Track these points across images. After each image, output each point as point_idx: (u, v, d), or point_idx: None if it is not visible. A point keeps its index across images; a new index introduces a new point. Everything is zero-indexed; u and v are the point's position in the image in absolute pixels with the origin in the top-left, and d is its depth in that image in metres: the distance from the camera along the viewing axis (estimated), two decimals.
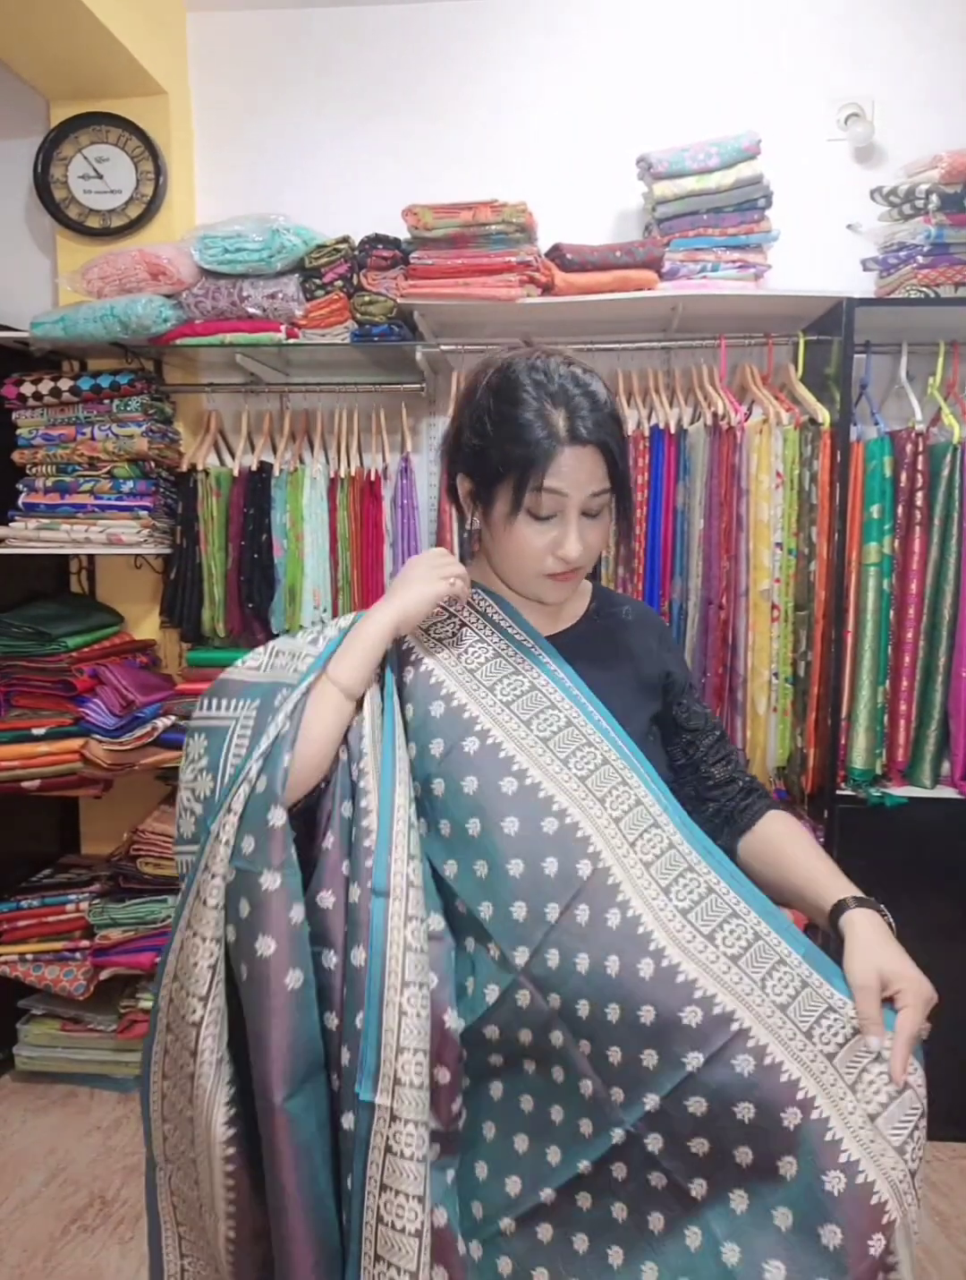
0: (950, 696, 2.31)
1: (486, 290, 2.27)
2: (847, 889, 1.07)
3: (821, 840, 2.30)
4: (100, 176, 2.64)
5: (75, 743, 2.38)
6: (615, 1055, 0.92)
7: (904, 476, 2.29)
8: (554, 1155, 0.96)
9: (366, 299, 2.35)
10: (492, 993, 0.98)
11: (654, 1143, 0.91)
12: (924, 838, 2.28)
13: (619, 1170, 0.93)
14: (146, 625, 2.79)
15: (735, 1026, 0.90)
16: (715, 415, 2.33)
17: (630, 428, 2.39)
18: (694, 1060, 0.89)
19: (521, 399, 1.05)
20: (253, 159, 2.74)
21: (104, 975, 2.47)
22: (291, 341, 2.39)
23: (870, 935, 1.02)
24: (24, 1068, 2.59)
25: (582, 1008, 0.94)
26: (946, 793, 2.32)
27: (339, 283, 2.38)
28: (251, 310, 2.38)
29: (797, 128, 2.56)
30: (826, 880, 1.09)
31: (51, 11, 2.22)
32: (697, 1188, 0.90)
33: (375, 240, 2.37)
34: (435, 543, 2.52)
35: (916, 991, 1.02)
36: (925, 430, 2.29)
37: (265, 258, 2.32)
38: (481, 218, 2.22)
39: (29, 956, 2.50)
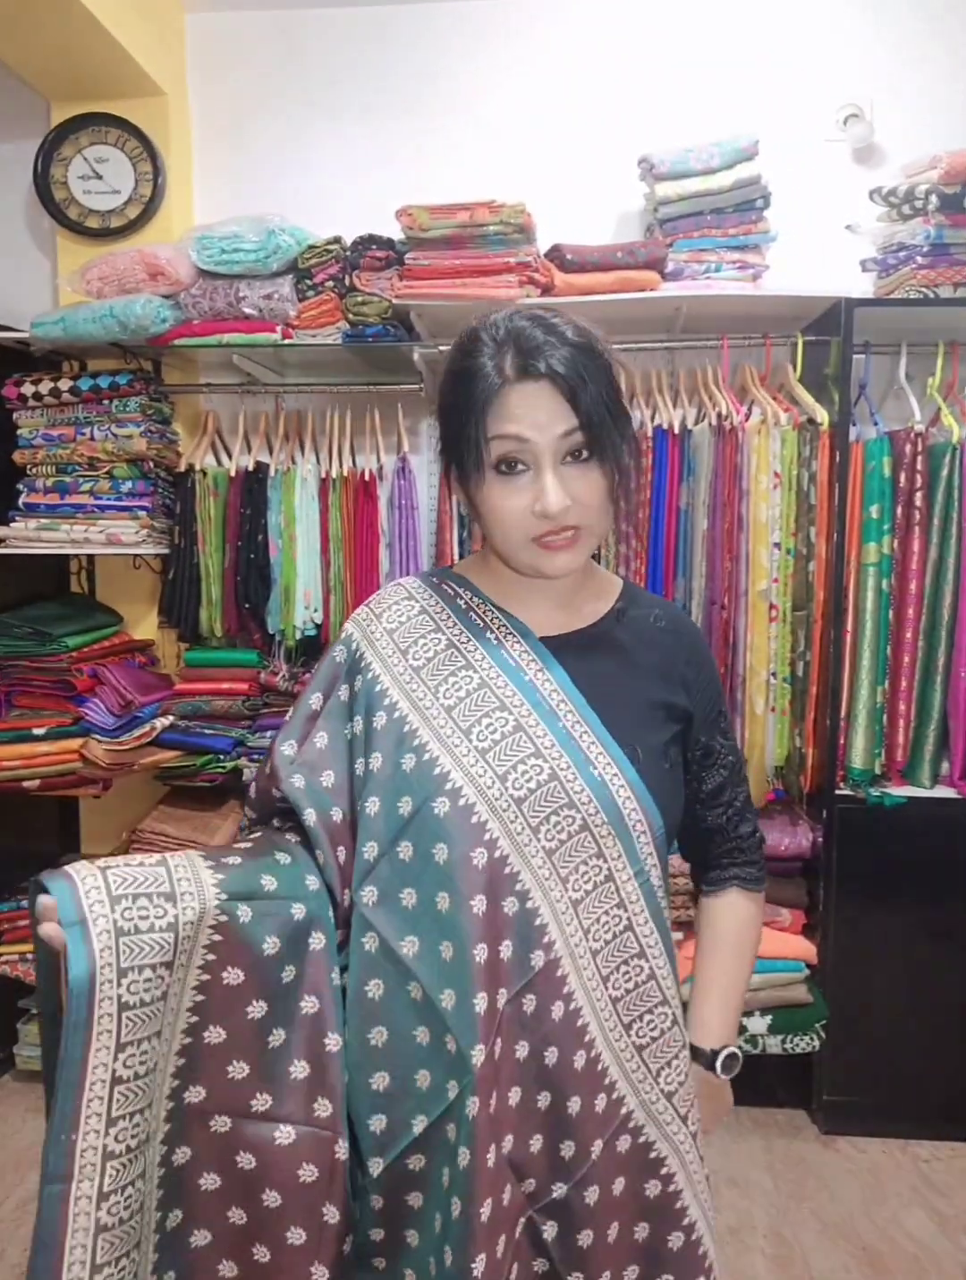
0: (949, 696, 2.31)
1: (484, 290, 2.27)
2: (716, 1035, 1.09)
3: (820, 840, 2.31)
4: (100, 177, 2.64)
5: (75, 742, 2.38)
6: (536, 1143, 0.92)
7: (903, 477, 2.29)
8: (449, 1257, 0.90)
9: (359, 299, 2.35)
10: (453, 1089, 0.89)
11: (549, 1231, 0.93)
12: (923, 837, 2.28)
13: (515, 1270, 0.93)
14: (145, 625, 2.79)
15: (624, 1110, 0.95)
16: (719, 416, 2.33)
17: (634, 428, 2.39)
18: (597, 1147, 0.93)
19: (474, 349, 0.95)
20: (251, 160, 2.74)
21: None
22: (286, 342, 2.40)
23: (717, 1112, 1.11)
24: (25, 1067, 2.60)
25: (513, 1095, 0.91)
26: (945, 792, 2.32)
27: (330, 283, 2.38)
28: (248, 311, 2.38)
29: (797, 128, 2.56)
30: (712, 1012, 1.10)
31: (51, 12, 2.23)
32: (611, 1232, 0.95)
33: (369, 241, 2.37)
34: (435, 543, 2.52)
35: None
36: (924, 430, 2.30)
37: (261, 258, 2.32)
38: (479, 218, 2.22)
39: (29, 956, 2.51)
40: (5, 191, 2.80)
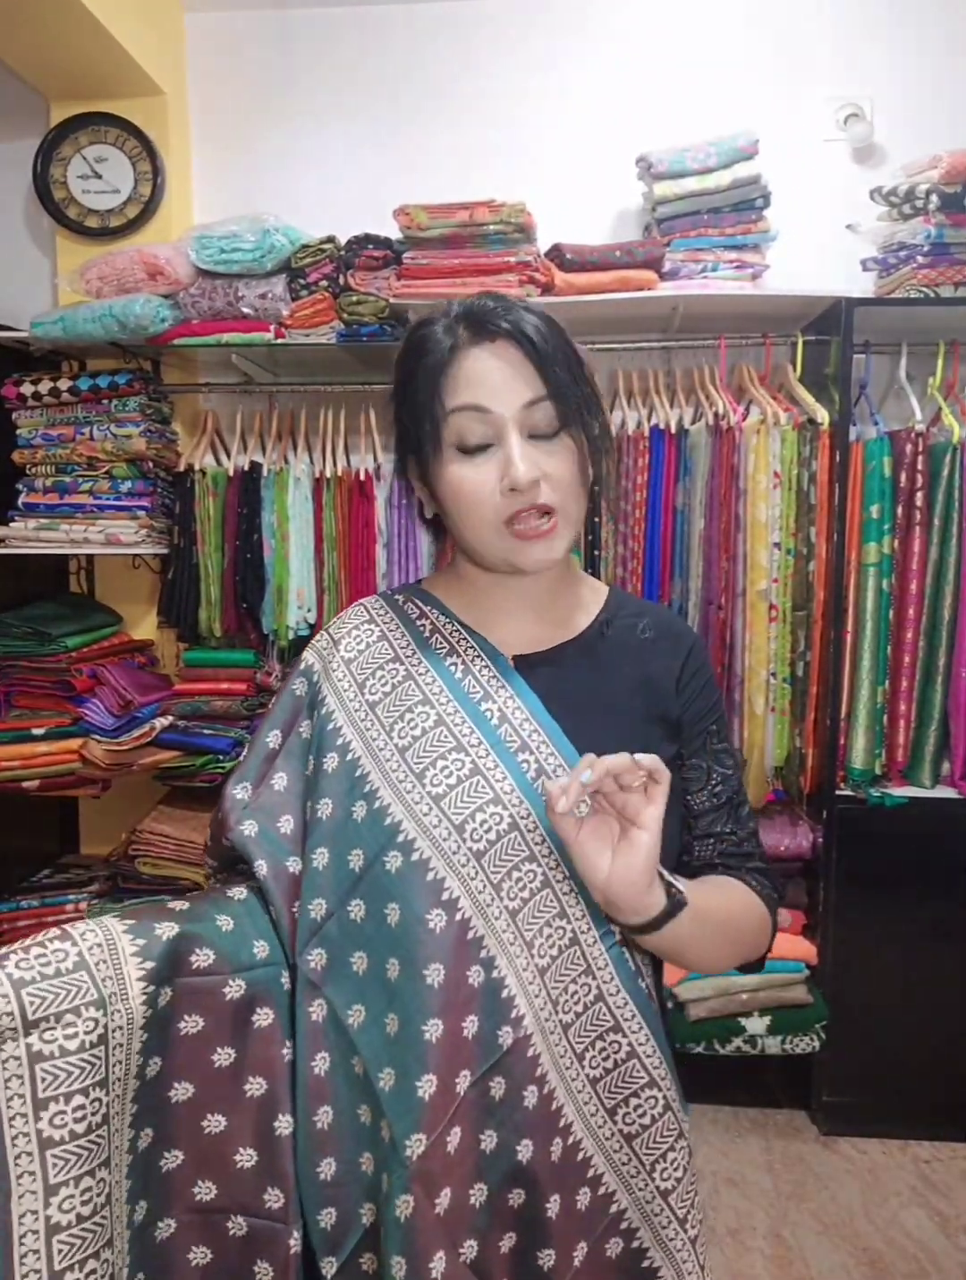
0: (949, 696, 2.30)
1: (484, 290, 2.26)
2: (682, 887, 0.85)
3: (820, 841, 2.31)
4: (99, 176, 2.64)
5: (74, 743, 2.38)
6: (507, 1244, 0.81)
7: (903, 476, 2.29)
8: None
9: (354, 299, 2.34)
10: (384, 1183, 0.78)
11: None
12: (923, 838, 2.28)
13: None
14: (144, 625, 2.79)
15: (614, 1208, 0.84)
16: (716, 415, 2.32)
17: (630, 428, 2.39)
18: (580, 1251, 0.82)
19: (426, 328, 0.89)
20: (250, 159, 2.74)
21: None
22: (279, 342, 2.39)
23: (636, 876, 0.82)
24: None
25: (476, 1194, 0.79)
26: (946, 793, 2.31)
27: (323, 283, 2.37)
28: (246, 310, 2.38)
29: (797, 128, 2.55)
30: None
31: (51, 11, 2.22)
32: None
33: (365, 240, 2.36)
34: (436, 549, 2.51)
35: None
36: (924, 430, 2.29)
37: (258, 258, 2.32)
38: (479, 218, 2.22)
39: None
40: (5, 191, 2.79)
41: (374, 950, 0.82)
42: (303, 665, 0.98)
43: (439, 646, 0.94)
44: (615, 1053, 0.84)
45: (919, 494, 2.28)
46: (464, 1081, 0.78)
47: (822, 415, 2.24)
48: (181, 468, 2.55)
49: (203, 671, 2.58)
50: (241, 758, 0.97)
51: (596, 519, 2.38)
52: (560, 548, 0.88)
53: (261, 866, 0.87)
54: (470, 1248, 0.78)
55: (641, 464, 2.37)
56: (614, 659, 0.95)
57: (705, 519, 2.31)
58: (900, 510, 2.30)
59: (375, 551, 2.47)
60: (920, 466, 2.27)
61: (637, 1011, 0.85)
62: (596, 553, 2.39)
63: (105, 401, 2.48)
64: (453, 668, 0.92)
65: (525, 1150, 0.80)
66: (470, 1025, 0.79)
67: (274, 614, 2.50)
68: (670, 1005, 2.33)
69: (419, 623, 0.96)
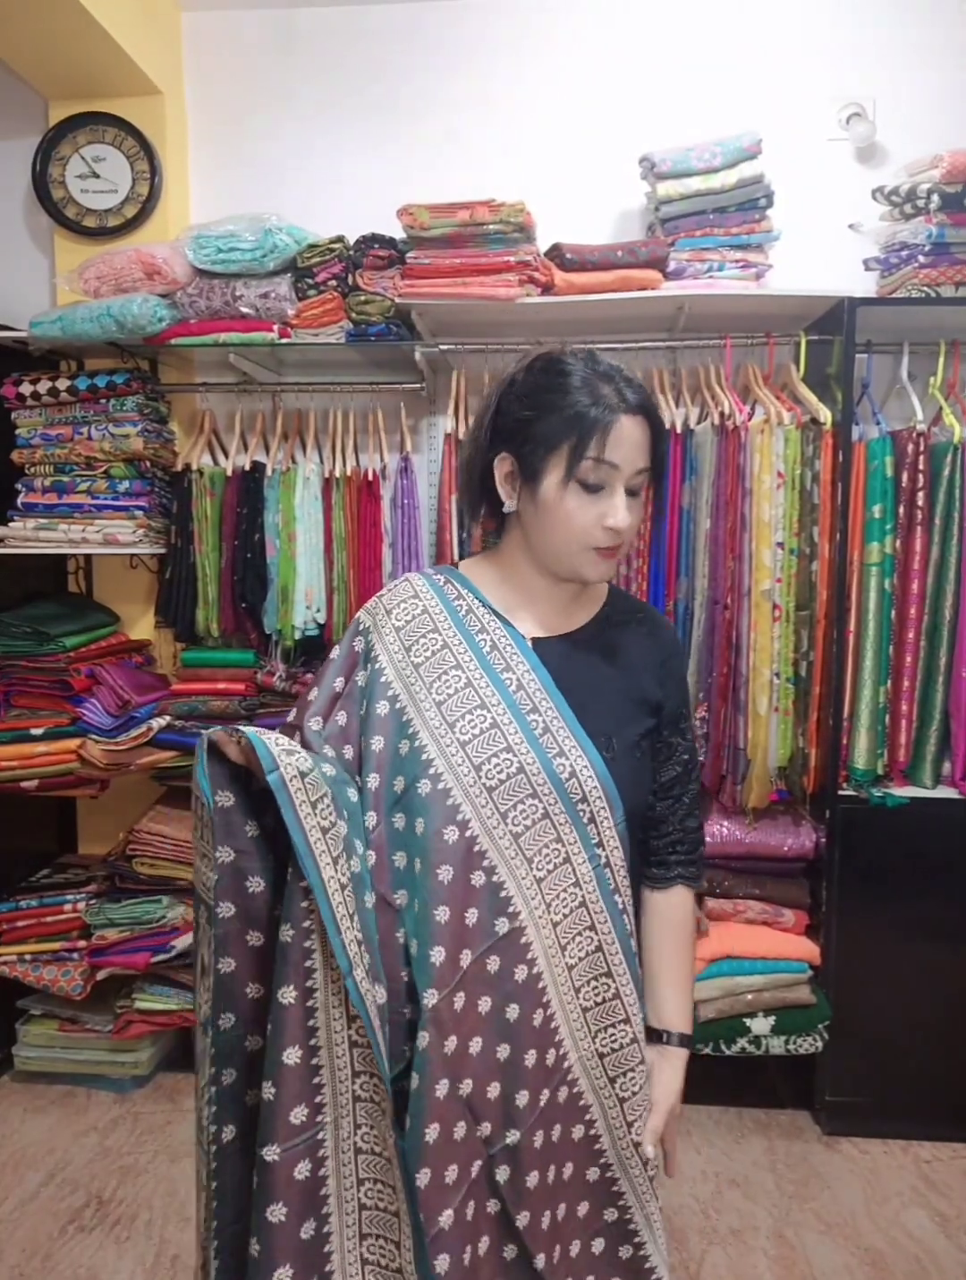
0: (951, 696, 2.30)
1: (485, 290, 2.26)
2: (680, 1020, 1.19)
3: (823, 841, 2.30)
4: (97, 176, 2.64)
5: (73, 743, 2.38)
6: (493, 1091, 1.04)
7: (905, 476, 2.28)
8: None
9: (362, 298, 2.34)
10: (411, 1016, 1.03)
11: (502, 1174, 1.04)
12: (925, 838, 2.28)
13: (470, 1209, 1.03)
14: (142, 625, 2.79)
15: (565, 1064, 1.08)
16: (722, 415, 2.32)
17: None
18: (544, 1096, 1.06)
19: (571, 372, 1.07)
20: (247, 158, 2.73)
21: (101, 975, 2.47)
22: (283, 341, 2.39)
23: (675, 1076, 1.17)
24: (23, 1068, 2.58)
25: (475, 1044, 1.03)
26: (947, 793, 2.31)
27: (333, 282, 2.37)
28: (244, 310, 2.37)
29: (799, 127, 2.55)
30: (667, 996, 1.20)
31: (48, 11, 2.22)
32: (522, 1218, 1.05)
33: (371, 240, 2.36)
34: (436, 542, 2.51)
35: (676, 1125, 1.18)
36: (926, 430, 2.29)
37: (258, 257, 2.31)
38: (479, 217, 2.21)
39: (27, 957, 2.50)
40: (3, 191, 2.78)
41: (409, 851, 1.05)
42: (360, 626, 1.19)
43: (472, 624, 1.15)
44: (588, 947, 1.09)
45: (920, 494, 2.28)
46: (467, 957, 1.02)
47: (825, 415, 2.24)
48: (178, 467, 2.54)
49: (200, 672, 2.57)
50: (310, 697, 1.17)
51: None
52: (612, 570, 1.14)
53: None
54: (466, 1085, 1.02)
55: None
56: (610, 648, 1.18)
57: (711, 519, 2.31)
58: (902, 510, 2.29)
59: (381, 551, 2.47)
60: (921, 466, 2.27)
61: (610, 917, 1.10)
62: None
63: (103, 401, 2.47)
64: (482, 642, 1.13)
65: (513, 1013, 1.04)
66: (472, 916, 1.03)
67: (277, 614, 2.48)
68: None
69: (456, 602, 1.17)
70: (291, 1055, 0.98)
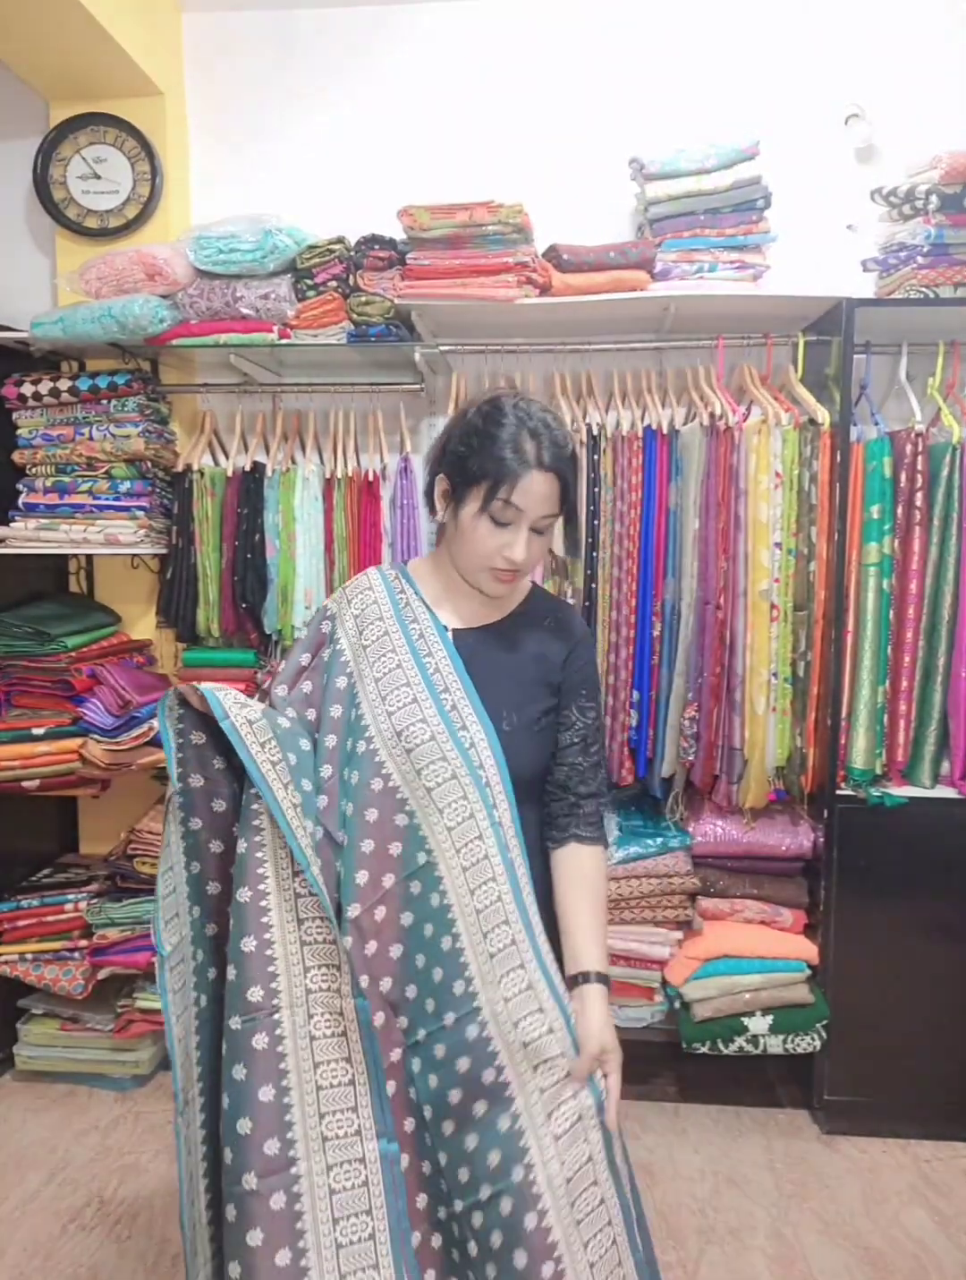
0: (949, 696, 2.31)
1: (484, 291, 2.26)
2: (593, 960, 1.30)
3: (822, 840, 2.31)
4: (98, 177, 2.64)
5: (74, 742, 2.38)
6: (411, 992, 1.24)
7: (903, 477, 2.29)
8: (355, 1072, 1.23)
9: (363, 299, 2.35)
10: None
11: (415, 1066, 1.24)
12: (923, 837, 2.28)
13: (392, 1086, 1.23)
14: (143, 625, 2.79)
15: (474, 1003, 1.22)
16: (712, 415, 2.32)
17: (624, 428, 2.41)
18: (448, 1018, 1.22)
19: (505, 423, 1.29)
20: (248, 159, 2.74)
21: (102, 975, 2.47)
22: (283, 342, 2.39)
23: (598, 1011, 1.26)
24: (24, 1067, 2.59)
25: (394, 950, 1.25)
26: (946, 792, 2.32)
27: (333, 283, 2.37)
28: (245, 311, 2.38)
29: (798, 128, 2.55)
30: (581, 942, 1.31)
31: (49, 12, 2.23)
32: (426, 1111, 1.23)
33: (371, 241, 2.36)
34: (435, 542, 2.51)
35: (618, 1062, 1.26)
36: (924, 430, 2.29)
37: (259, 258, 2.32)
38: (478, 218, 2.22)
39: (29, 956, 2.51)
40: (5, 191, 2.79)
41: (349, 798, 1.28)
42: (327, 612, 1.44)
43: (408, 615, 1.39)
44: (489, 896, 1.24)
45: (919, 494, 2.28)
46: (390, 880, 1.25)
47: (823, 415, 2.25)
48: (179, 468, 2.55)
49: (201, 671, 2.58)
50: (280, 669, 1.44)
51: (595, 521, 2.38)
52: (510, 592, 1.39)
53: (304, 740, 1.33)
54: (386, 983, 1.24)
55: (635, 464, 2.37)
56: (520, 638, 1.41)
57: (700, 519, 2.31)
58: (900, 510, 2.30)
59: (381, 550, 2.48)
60: (920, 467, 2.27)
61: (506, 869, 1.25)
62: (594, 553, 2.39)
63: (104, 402, 2.48)
64: (413, 630, 1.37)
65: (428, 931, 1.24)
66: (395, 848, 1.26)
67: (277, 614, 2.49)
68: (677, 1006, 2.34)
69: (399, 595, 1.41)
70: (248, 943, 1.19)
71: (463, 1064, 1.21)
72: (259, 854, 1.23)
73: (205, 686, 1.26)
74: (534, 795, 1.38)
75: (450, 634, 1.38)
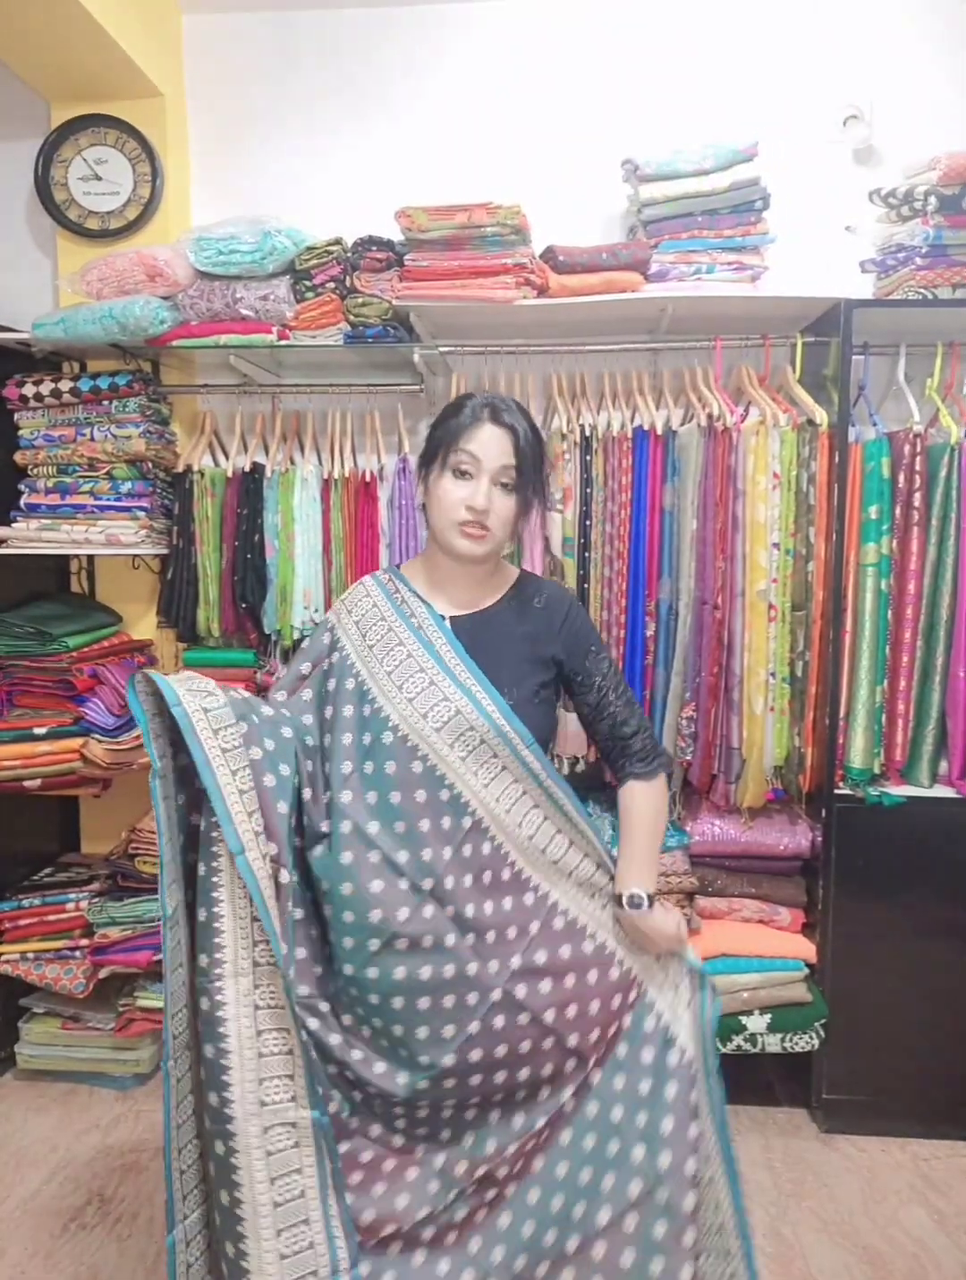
0: (947, 696, 2.31)
1: (482, 292, 2.27)
2: (637, 881, 1.50)
3: (820, 840, 2.31)
4: (99, 178, 2.65)
5: (75, 742, 2.39)
6: (490, 937, 1.39)
7: (901, 477, 2.29)
8: (448, 1030, 1.38)
9: (360, 301, 2.35)
10: (405, 913, 1.37)
11: (520, 991, 1.39)
12: (921, 837, 2.29)
13: (500, 1020, 1.39)
14: (144, 625, 2.80)
15: (551, 901, 1.45)
16: (710, 416, 2.33)
17: (615, 429, 2.42)
18: (534, 927, 1.42)
19: (462, 403, 1.51)
20: (248, 160, 2.75)
21: (103, 974, 2.48)
22: (282, 343, 2.40)
23: (657, 922, 1.49)
24: (25, 1066, 2.60)
25: (469, 909, 1.39)
26: (944, 792, 2.32)
27: (331, 284, 2.38)
28: (244, 312, 2.38)
29: (796, 129, 2.56)
30: (623, 869, 1.52)
31: (50, 14, 2.23)
32: (550, 1016, 1.41)
33: (368, 242, 2.37)
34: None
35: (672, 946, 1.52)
36: (923, 431, 2.30)
37: (258, 259, 2.32)
38: (477, 220, 2.22)
39: (30, 955, 2.52)
40: (6, 192, 2.80)
41: (381, 788, 1.41)
42: (327, 624, 1.58)
43: (406, 610, 1.53)
44: (538, 820, 1.46)
45: (917, 495, 2.28)
46: (448, 852, 1.39)
47: (821, 416, 2.25)
48: (180, 468, 2.55)
49: (201, 671, 2.50)
50: (279, 677, 1.66)
51: (587, 521, 2.39)
52: (485, 549, 1.49)
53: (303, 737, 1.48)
54: (470, 936, 1.39)
55: (625, 465, 2.37)
56: (512, 619, 1.56)
57: (698, 519, 2.31)
58: (898, 511, 2.30)
59: (379, 551, 2.48)
60: (918, 467, 2.28)
61: (546, 799, 1.46)
62: (587, 554, 2.40)
63: (105, 402, 2.49)
64: (413, 623, 1.51)
65: (488, 878, 1.41)
66: (445, 822, 1.41)
67: (276, 614, 2.50)
68: None
69: (395, 595, 1.55)
70: (201, 913, 1.33)
71: (566, 952, 1.44)
72: (215, 849, 1.33)
73: (157, 677, 1.34)
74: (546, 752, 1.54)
75: (448, 622, 1.51)
